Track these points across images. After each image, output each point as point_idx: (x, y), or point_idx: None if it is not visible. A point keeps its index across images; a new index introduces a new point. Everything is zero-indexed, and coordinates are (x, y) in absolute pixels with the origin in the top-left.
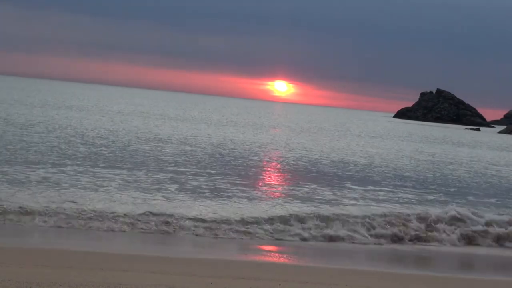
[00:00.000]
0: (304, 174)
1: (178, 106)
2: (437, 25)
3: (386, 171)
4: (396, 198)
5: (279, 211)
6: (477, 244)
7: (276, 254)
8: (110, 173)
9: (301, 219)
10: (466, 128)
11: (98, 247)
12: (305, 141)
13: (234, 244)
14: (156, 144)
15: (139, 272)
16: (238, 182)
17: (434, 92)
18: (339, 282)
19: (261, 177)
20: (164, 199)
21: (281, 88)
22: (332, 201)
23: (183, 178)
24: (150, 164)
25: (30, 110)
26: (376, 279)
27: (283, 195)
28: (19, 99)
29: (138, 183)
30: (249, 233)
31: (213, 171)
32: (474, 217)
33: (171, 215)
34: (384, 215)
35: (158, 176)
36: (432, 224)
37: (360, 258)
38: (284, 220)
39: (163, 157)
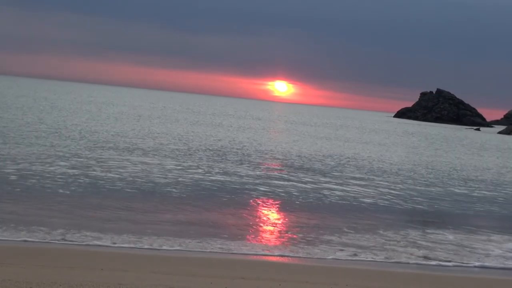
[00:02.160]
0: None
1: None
2: (438, 25)
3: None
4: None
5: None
6: None
7: (276, 254)
8: None
9: None
10: (467, 128)
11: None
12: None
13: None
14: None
15: (139, 272)
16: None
17: (434, 92)
18: (339, 282)
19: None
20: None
21: (281, 88)
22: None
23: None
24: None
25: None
26: (376, 278)
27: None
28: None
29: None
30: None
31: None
32: None
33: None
34: None
35: None
36: None
37: None
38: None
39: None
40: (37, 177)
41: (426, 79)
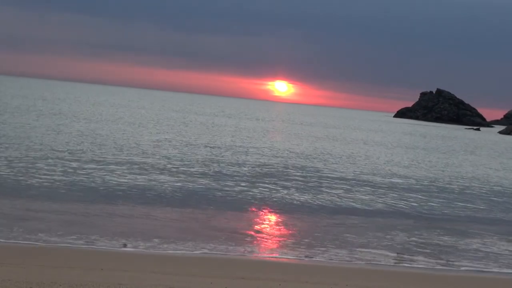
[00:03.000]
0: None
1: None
2: (438, 25)
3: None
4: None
5: None
6: None
7: (276, 254)
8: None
9: None
10: (467, 128)
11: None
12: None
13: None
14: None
15: (139, 272)
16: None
17: (434, 92)
18: (339, 282)
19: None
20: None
21: (281, 88)
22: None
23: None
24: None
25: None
26: (376, 278)
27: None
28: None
29: None
30: None
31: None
32: None
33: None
34: None
35: None
36: None
37: None
38: None
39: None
40: (37, 178)
41: (426, 79)
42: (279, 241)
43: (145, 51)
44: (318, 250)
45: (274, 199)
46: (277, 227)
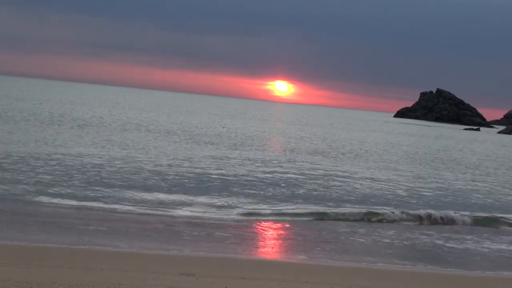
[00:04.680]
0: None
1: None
2: (438, 25)
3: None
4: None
5: None
6: None
7: (276, 254)
8: None
9: None
10: (466, 128)
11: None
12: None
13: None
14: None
15: (139, 272)
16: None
17: (434, 92)
18: (339, 282)
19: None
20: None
21: (281, 88)
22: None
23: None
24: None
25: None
26: (376, 278)
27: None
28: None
29: None
30: None
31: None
32: None
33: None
34: None
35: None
36: None
37: None
38: None
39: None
40: (36, 177)
41: (426, 79)
42: (279, 241)
43: (145, 51)
44: (318, 250)
45: (274, 199)
46: (277, 228)
